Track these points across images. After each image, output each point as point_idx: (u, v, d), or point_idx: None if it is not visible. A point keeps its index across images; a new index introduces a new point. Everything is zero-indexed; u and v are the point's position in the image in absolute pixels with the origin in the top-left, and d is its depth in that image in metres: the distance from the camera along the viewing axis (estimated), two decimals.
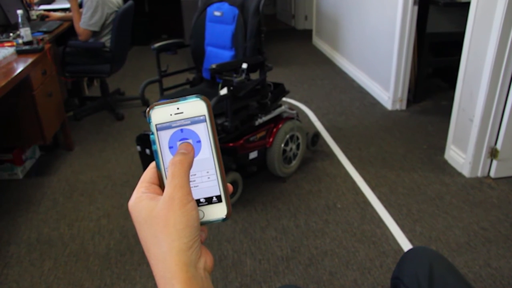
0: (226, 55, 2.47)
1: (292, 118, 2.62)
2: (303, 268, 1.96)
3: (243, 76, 2.21)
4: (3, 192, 2.61)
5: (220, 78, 2.25)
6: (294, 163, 2.69)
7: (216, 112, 2.27)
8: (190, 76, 2.79)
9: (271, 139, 2.48)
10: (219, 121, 2.25)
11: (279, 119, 2.55)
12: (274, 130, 2.49)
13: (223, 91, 2.18)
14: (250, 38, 2.37)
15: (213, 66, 2.14)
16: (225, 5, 2.45)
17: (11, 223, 2.32)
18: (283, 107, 2.61)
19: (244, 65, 2.21)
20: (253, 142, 2.42)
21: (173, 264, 0.43)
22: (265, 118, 2.47)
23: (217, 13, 2.46)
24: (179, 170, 0.45)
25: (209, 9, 2.53)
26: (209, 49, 2.58)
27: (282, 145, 2.53)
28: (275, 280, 1.90)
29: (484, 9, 2.35)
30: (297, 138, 2.66)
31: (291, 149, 2.62)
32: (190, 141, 0.47)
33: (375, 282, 1.87)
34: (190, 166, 0.46)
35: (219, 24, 2.48)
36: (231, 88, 2.17)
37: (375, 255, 2.02)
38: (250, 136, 2.39)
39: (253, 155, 2.46)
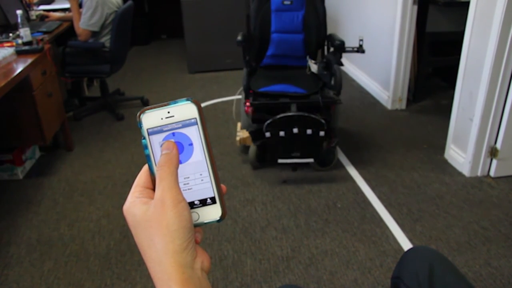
0: (297, 38, 2.80)
1: None
2: (303, 268, 1.96)
3: (363, 47, 2.68)
4: (3, 193, 2.61)
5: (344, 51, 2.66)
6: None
7: (315, 90, 2.60)
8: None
9: None
10: (315, 100, 2.55)
11: None
12: None
13: (314, 68, 2.68)
14: (322, 19, 2.79)
15: (338, 42, 2.63)
16: None
17: (11, 224, 2.32)
18: None
19: (362, 38, 2.68)
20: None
21: (169, 266, 0.43)
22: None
23: (286, 2, 2.76)
24: (165, 172, 0.45)
25: (274, 0, 2.78)
26: (275, 36, 2.82)
27: None
28: (275, 280, 1.90)
29: (483, 8, 2.35)
30: None
31: None
32: (172, 139, 0.48)
33: (375, 281, 1.87)
34: (176, 165, 0.46)
35: (288, 12, 2.77)
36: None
37: (375, 254, 2.02)
38: None
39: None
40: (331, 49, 2.86)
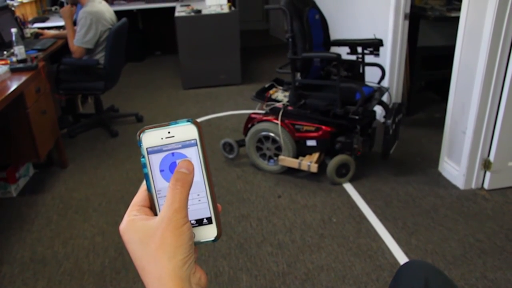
0: (323, 49, 2.94)
1: None
2: (299, 283, 1.94)
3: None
4: None
5: None
6: None
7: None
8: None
9: None
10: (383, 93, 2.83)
11: None
12: None
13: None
14: (327, 26, 2.95)
15: (378, 39, 2.79)
16: (314, 9, 2.86)
17: (4, 242, 2.29)
18: None
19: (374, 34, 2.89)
20: None
21: (169, 280, 0.44)
22: None
23: (317, 17, 2.86)
24: (180, 194, 0.46)
25: (310, 15, 2.82)
26: (317, 50, 2.90)
27: None
28: None
29: (473, 23, 2.39)
30: None
31: None
32: (189, 158, 0.48)
33: None
34: (190, 187, 0.47)
35: (318, 26, 2.89)
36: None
37: (371, 269, 2.01)
38: None
39: None
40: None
